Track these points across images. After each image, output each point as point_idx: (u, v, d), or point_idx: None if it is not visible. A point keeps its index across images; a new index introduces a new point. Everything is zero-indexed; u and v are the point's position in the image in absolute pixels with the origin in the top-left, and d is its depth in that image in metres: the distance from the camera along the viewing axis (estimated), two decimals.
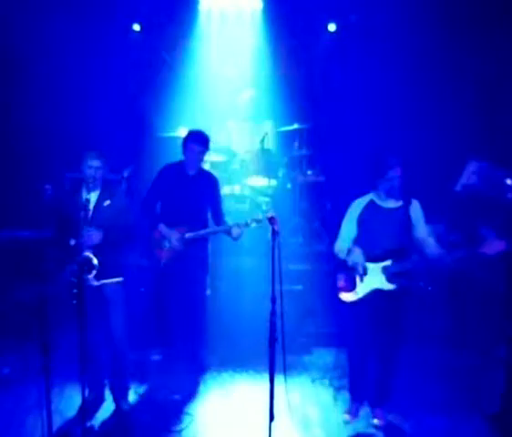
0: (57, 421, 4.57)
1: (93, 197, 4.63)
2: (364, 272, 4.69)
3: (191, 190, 5.29)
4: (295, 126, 7.16)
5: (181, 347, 5.43)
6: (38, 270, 4.05)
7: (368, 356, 4.85)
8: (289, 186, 7.13)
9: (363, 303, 4.73)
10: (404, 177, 4.70)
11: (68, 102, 7.33)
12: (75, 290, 4.37)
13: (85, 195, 4.56)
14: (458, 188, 6.38)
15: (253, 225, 5.07)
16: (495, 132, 7.09)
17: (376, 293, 4.70)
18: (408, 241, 4.73)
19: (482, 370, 5.02)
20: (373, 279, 4.70)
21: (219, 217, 5.37)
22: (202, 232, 5.25)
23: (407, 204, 4.75)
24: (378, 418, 4.82)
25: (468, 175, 6.31)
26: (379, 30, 7.78)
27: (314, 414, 4.97)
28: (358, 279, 4.72)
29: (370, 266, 4.70)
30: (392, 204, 4.77)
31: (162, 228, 5.28)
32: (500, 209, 5.37)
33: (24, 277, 6.28)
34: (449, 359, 5.81)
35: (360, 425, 4.83)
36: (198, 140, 5.27)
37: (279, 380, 4.25)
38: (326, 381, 5.38)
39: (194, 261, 5.28)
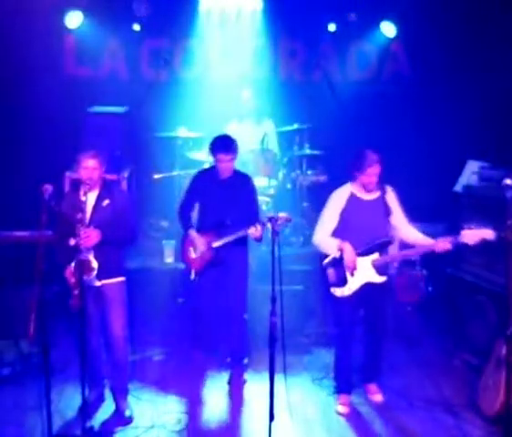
0: (57, 421, 4.56)
1: (91, 197, 4.61)
2: (355, 267, 4.79)
3: (223, 195, 5.14)
4: (295, 126, 7.15)
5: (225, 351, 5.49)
6: (38, 270, 4.04)
7: (353, 346, 4.98)
8: (289, 186, 7.12)
9: (355, 296, 4.84)
10: (382, 172, 4.82)
11: (68, 101, 7.35)
12: (75, 291, 4.38)
13: (82, 196, 4.50)
14: (458, 188, 6.38)
15: (269, 225, 4.83)
16: (495, 132, 7.09)
17: (367, 286, 4.83)
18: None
19: (482, 370, 5.01)
20: (364, 273, 4.82)
21: (253, 220, 5.04)
22: (227, 239, 5.04)
23: (383, 193, 4.90)
24: (374, 393, 5.02)
25: (468, 175, 6.31)
26: (380, 29, 7.79)
27: (314, 414, 4.97)
28: (348, 273, 4.80)
29: (359, 260, 4.79)
30: (370, 196, 4.90)
31: (192, 234, 5.15)
32: (500, 209, 5.35)
33: (23, 277, 6.28)
34: (449, 358, 5.81)
35: (360, 424, 4.82)
36: (224, 149, 5.11)
37: (279, 380, 4.25)
38: (326, 381, 5.37)
39: (232, 268, 5.15)
